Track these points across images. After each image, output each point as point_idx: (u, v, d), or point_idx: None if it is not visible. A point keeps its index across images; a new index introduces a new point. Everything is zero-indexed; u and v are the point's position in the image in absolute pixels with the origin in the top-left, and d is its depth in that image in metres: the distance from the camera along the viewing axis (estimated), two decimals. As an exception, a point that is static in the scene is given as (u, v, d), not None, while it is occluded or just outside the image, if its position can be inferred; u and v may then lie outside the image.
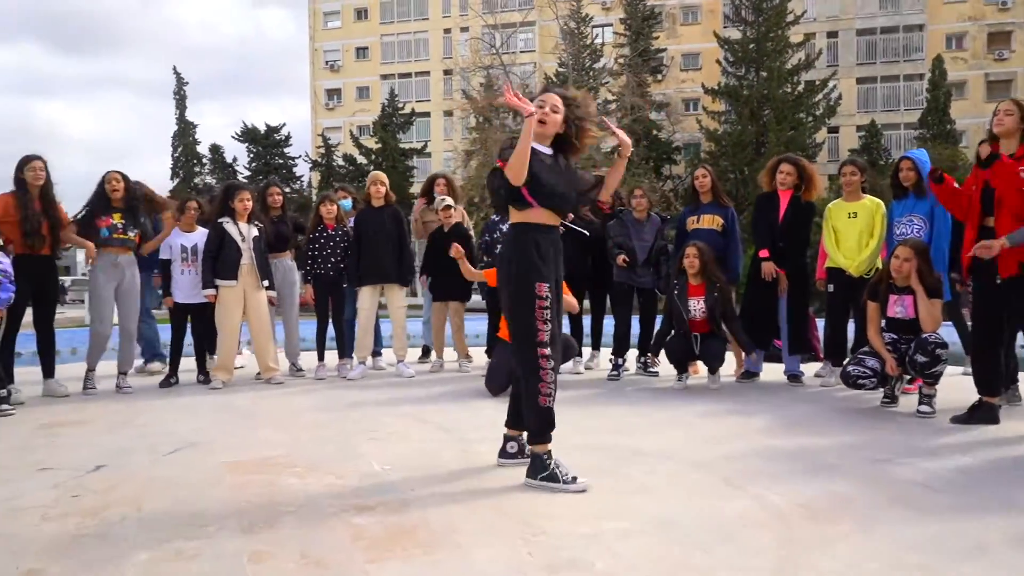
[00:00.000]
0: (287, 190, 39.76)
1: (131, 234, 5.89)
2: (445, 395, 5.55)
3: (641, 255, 6.39)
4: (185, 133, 43.03)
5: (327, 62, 45.79)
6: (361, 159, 38.47)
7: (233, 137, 41.49)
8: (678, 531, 2.63)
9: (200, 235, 6.29)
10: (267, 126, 41.76)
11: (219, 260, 6.00)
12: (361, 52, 45.80)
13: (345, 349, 6.71)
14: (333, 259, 6.51)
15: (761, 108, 33.83)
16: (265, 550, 2.50)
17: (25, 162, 5.48)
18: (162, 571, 2.35)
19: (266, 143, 41.49)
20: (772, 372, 6.28)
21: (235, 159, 42.54)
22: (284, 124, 42.28)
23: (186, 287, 6.18)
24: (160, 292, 6.58)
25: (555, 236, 3.31)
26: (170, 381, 6.18)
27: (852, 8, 39.08)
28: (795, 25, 34.67)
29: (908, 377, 5.03)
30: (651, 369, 6.50)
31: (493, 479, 3.30)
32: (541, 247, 3.23)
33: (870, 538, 2.56)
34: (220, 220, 6.06)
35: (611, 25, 39.49)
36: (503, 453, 3.51)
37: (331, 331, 6.75)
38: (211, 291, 6.02)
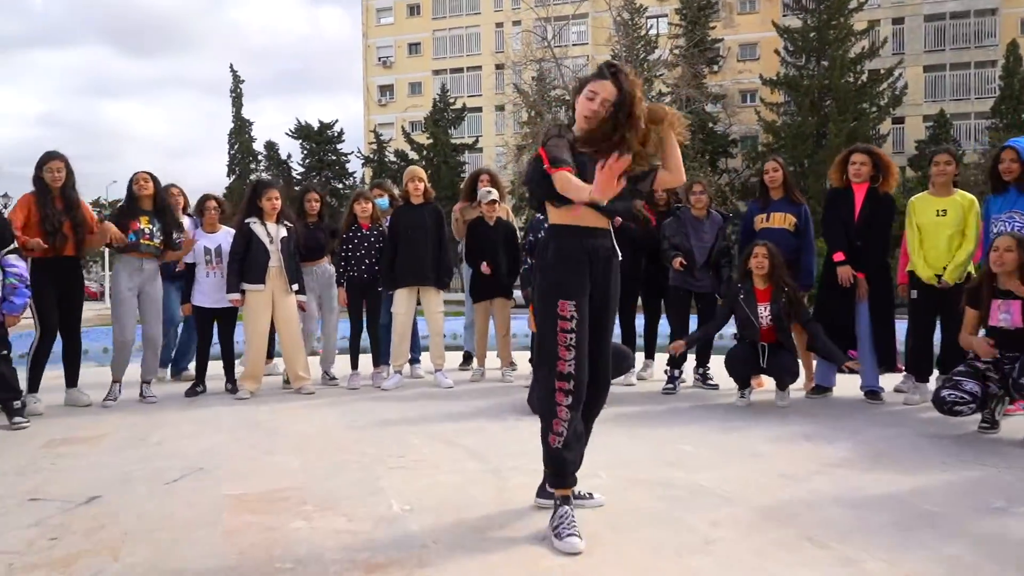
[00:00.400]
0: (339, 186, 40.27)
1: (157, 240, 5.55)
2: (483, 412, 5.08)
3: (700, 257, 5.83)
4: (241, 131, 43.51)
5: (380, 58, 45.81)
6: (413, 155, 38.33)
7: (287, 134, 41.82)
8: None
9: (224, 235, 5.95)
10: (320, 123, 41.97)
11: (246, 263, 5.63)
12: (413, 48, 45.71)
13: (380, 357, 6.30)
14: (368, 260, 6.11)
15: (822, 99, 32.70)
16: (246, 626, 2.07)
17: (44, 161, 5.19)
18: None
19: (319, 140, 41.70)
20: (846, 386, 5.65)
21: (289, 156, 42.87)
22: (337, 120, 42.48)
23: (211, 291, 5.83)
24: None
25: (600, 242, 2.78)
26: (196, 390, 5.85)
27: (920, -8, 37.42)
28: (859, 12, 33.39)
29: (1009, 398, 4.39)
30: (710, 381, 5.94)
31: (530, 525, 2.81)
32: (573, 255, 2.73)
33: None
34: (247, 220, 5.70)
35: (666, 16, 38.57)
36: (541, 491, 3.01)
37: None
38: (236, 295, 5.67)
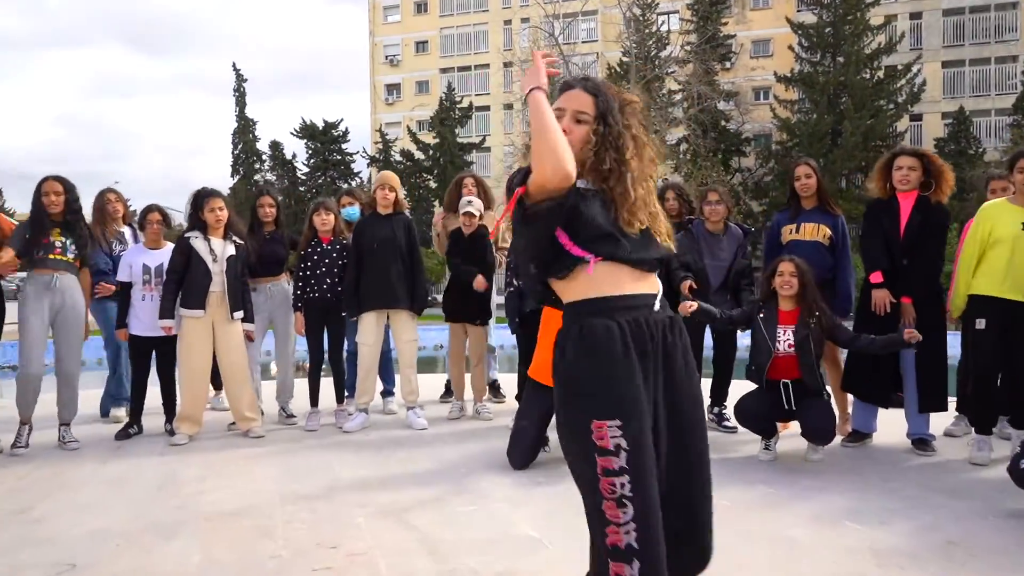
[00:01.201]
0: (344, 186, 39.50)
1: (72, 256, 4.75)
2: (452, 471, 4.21)
3: (715, 278, 4.97)
4: (245, 130, 42.79)
5: (387, 56, 45.12)
6: (419, 154, 37.53)
7: (292, 133, 41.09)
8: None
9: (168, 252, 5.10)
10: (325, 122, 41.27)
11: (184, 285, 4.82)
12: (421, 46, 44.98)
13: (344, 392, 5.46)
14: (329, 280, 5.26)
15: (838, 96, 31.84)
16: None
17: None
18: None
19: (324, 139, 40.96)
20: (888, 431, 4.77)
21: (294, 155, 42.14)
22: (342, 120, 41.73)
23: (149, 316, 5.00)
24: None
25: (650, 313, 1.87)
26: (129, 432, 5.04)
27: (938, -13, 36.35)
28: (875, 7, 32.49)
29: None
30: (727, 423, 5.08)
31: None
32: (610, 346, 1.79)
33: None
34: (187, 235, 4.88)
35: (677, 12, 37.67)
36: None
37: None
38: (168, 322, 4.85)
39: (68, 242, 4.73)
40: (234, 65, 44.40)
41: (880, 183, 4.58)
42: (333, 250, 5.30)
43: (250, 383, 5.12)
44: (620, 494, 1.69)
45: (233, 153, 42.54)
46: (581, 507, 1.80)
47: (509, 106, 39.12)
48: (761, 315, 4.33)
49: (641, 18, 34.51)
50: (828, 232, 4.83)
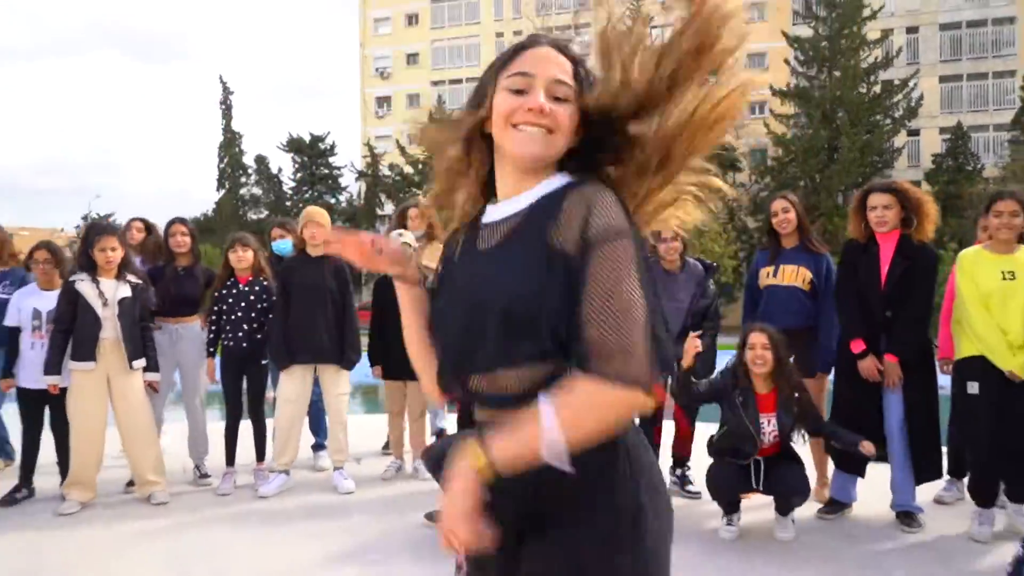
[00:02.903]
0: (332, 201, 39.06)
1: None
2: (371, 546, 3.67)
3: (676, 322, 4.42)
4: (231, 143, 42.31)
5: (377, 69, 44.80)
6: (408, 169, 37.08)
7: (278, 147, 40.68)
8: None
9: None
10: (312, 135, 40.87)
11: (73, 334, 4.27)
12: (412, 58, 44.68)
13: (264, 449, 4.89)
14: (246, 325, 4.68)
15: (834, 110, 31.55)
16: None
17: None
18: None
19: (311, 153, 40.54)
20: (869, 501, 4.20)
21: (280, 169, 41.70)
22: (329, 133, 41.35)
23: (38, 367, 4.43)
24: None
25: None
26: (15, 496, 4.47)
27: (935, 1, 36.03)
28: (871, 21, 32.25)
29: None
30: (690, 487, 4.51)
31: None
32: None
33: None
34: (73, 278, 4.31)
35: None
36: None
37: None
38: (55, 379, 4.27)
39: None
40: (220, 77, 44.12)
41: (856, 224, 4.02)
42: (251, 292, 4.73)
43: (155, 442, 4.54)
44: None
45: (219, 167, 42.05)
46: None
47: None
48: (740, 399, 3.76)
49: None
50: (809, 276, 4.28)
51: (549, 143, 1.26)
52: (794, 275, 4.28)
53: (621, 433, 1.23)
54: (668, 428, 4.58)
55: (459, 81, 43.84)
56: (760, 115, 35.28)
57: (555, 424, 1.12)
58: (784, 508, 3.77)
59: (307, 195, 39.39)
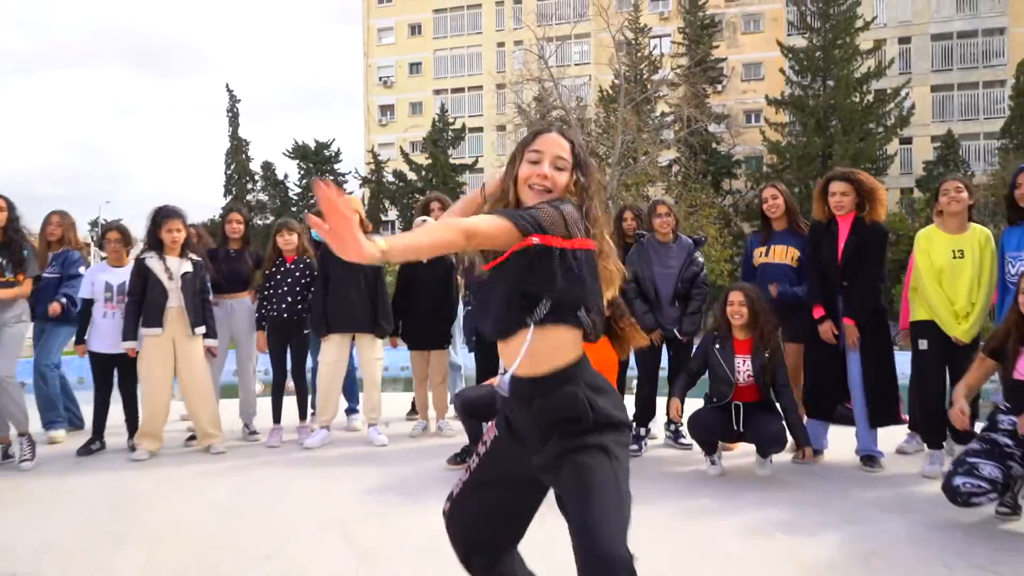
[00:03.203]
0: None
1: (10, 275, 4.75)
2: (401, 485, 4.27)
3: (665, 285, 5.06)
4: (238, 150, 43.00)
5: (380, 78, 45.46)
6: (411, 175, 37.74)
7: (284, 154, 41.34)
8: None
9: (129, 271, 5.17)
10: (317, 142, 41.53)
11: (143, 305, 4.90)
12: (415, 67, 45.33)
13: (307, 409, 5.52)
14: (290, 298, 5.35)
15: (828, 119, 32.11)
16: None
17: None
18: None
19: (316, 159, 41.20)
20: (840, 449, 4.84)
21: (286, 176, 42.36)
22: (334, 140, 41.96)
23: (110, 333, 5.07)
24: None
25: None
26: (91, 448, 5.09)
27: (926, 12, 36.74)
28: (865, 31, 32.83)
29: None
30: (683, 440, 5.15)
31: None
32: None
33: None
34: (142, 256, 4.96)
35: (669, 35, 38.15)
36: None
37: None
38: (130, 345, 4.93)
39: (5, 262, 4.74)
40: (227, 86, 44.83)
41: (819, 207, 4.69)
42: (296, 269, 5.40)
43: (213, 399, 5.19)
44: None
45: (226, 173, 42.75)
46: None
47: (502, 128, 39.38)
48: (717, 346, 4.42)
49: (633, 42, 34.92)
50: (797, 253, 4.94)
51: (547, 196, 1.91)
52: (784, 254, 4.94)
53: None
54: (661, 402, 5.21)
55: (461, 90, 44.50)
56: (756, 123, 35.98)
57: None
58: (764, 453, 4.40)
59: (312, 201, 39.97)
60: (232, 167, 42.64)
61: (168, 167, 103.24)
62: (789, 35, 35.69)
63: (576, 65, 39.12)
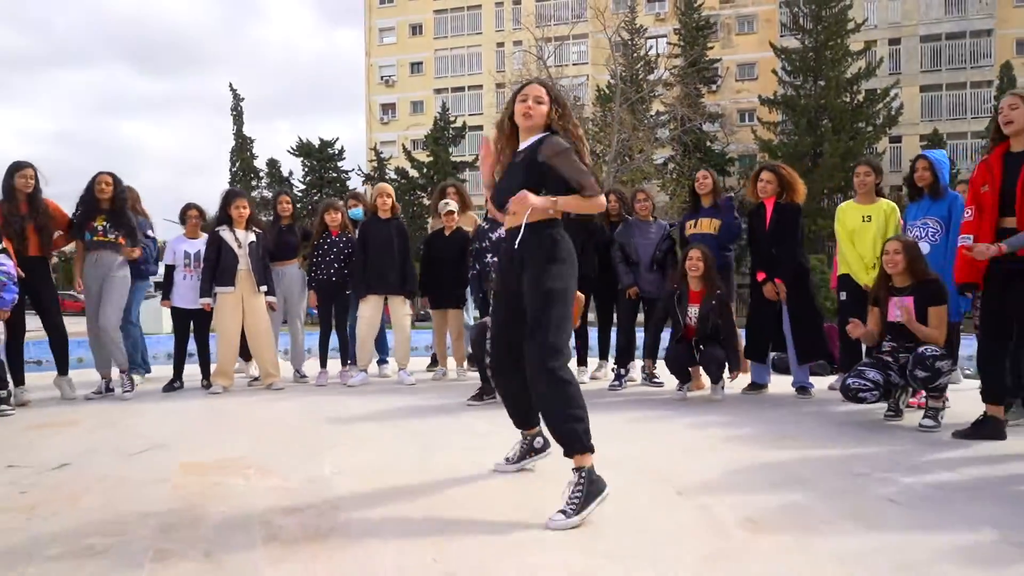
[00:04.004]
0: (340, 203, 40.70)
1: (112, 236, 5.88)
2: (435, 405, 5.45)
3: (645, 255, 6.27)
4: (243, 148, 44.13)
5: (382, 77, 46.49)
6: (413, 172, 38.85)
7: (288, 151, 42.43)
8: (600, 541, 2.49)
9: (203, 241, 6.37)
10: (321, 140, 42.57)
11: (218, 267, 6.06)
12: (416, 67, 46.35)
13: (347, 356, 6.71)
14: (336, 265, 6.55)
15: (819, 118, 33.13)
16: (172, 548, 2.46)
17: (16, 169, 5.62)
18: (63, 566, 2.33)
19: (320, 157, 42.27)
20: (784, 384, 6.03)
21: (291, 173, 43.46)
22: (337, 138, 43.00)
23: (188, 293, 6.26)
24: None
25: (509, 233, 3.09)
26: (174, 385, 6.26)
27: (915, 14, 37.82)
28: (855, 33, 33.82)
29: (912, 389, 4.76)
30: (656, 380, 6.32)
31: (433, 487, 3.19)
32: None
33: (804, 551, 2.39)
34: (217, 228, 6.14)
35: (665, 36, 39.22)
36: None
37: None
38: (207, 300, 6.11)
39: (110, 226, 5.88)
40: (231, 85, 45.97)
41: (752, 190, 5.92)
42: (340, 241, 6.59)
43: (273, 344, 6.37)
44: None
45: (231, 171, 43.83)
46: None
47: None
48: (677, 295, 5.59)
49: (630, 42, 36.00)
50: (718, 223, 6.13)
51: (532, 121, 3.03)
52: (708, 224, 6.13)
53: (561, 229, 3.01)
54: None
55: (461, 89, 45.56)
56: (749, 123, 37.09)
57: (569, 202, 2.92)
58: (714, 377, 5.57)
59: (316, 198, 41.12)
60: (237, 164, 43.73)
61: (174, 165, 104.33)
62: (782, 36, 36.62)
63: (574, 65, 40.16)
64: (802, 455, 3.73)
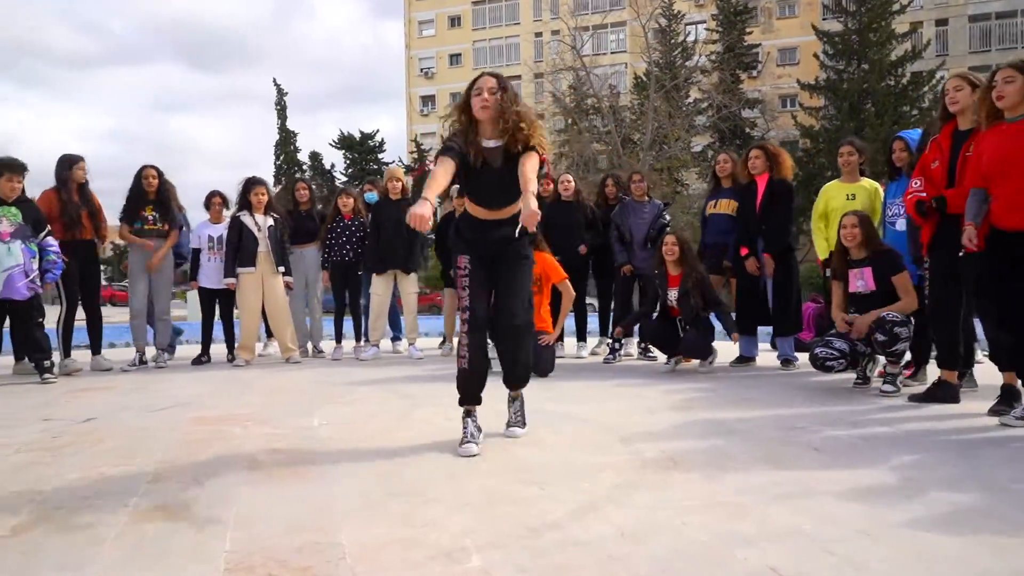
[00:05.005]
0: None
1: (160, 225, 6.55)
2: (433, 374, 5.87)
3: (638, 234, 6.61)
4: (286, 142, 45.24)
5: (422, 69, 47.11)
6: (452, 163, 39.28)
7: (330, 144, 43.36)
8: (529, 473, 2.87)
9: (225, 226, 6.87)
10: (362, 133, 43.35)
11: (240, 250, 6.56)
12: (454, 59, 46.85)
13: (361, 333, 7.17)
14: (348, 247, 7.01)
15: (862, 102, 32.53)
16: (168, 473, 2.91)
17: (73, 161, 6.25)
18: (78, 484, 2.79)
19: (361, 149, 43.09)
20: (769, 357, 6.30)
21: (332, 165, 44.38)
22: (378, 131, 43.75)
23: (213, 274, 6.79)
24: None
25: (484, 224, 3.46)
26: (201, 360, 6.80)
27: (964, -7, 37.03)
28: (901, 14, 33.06)
29: (881, 358, 5.00)
30: (650, 355, 6.64)
31: (407, 437, 3.59)
32: (461, 228, 3.55)
33: (707, 482, 2.73)
34: (238, 214, 6.64)
35: (704, 22, 38.98)
36: None
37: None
38: (231, 280, 6.62)
39: (157, 216, 6.51)
40: (275, 80, 47.04)
41: (743, 170, 6.18)
42: (352, 225, 7.05)
43: (291, 321, 6.85)
44: (463, 284, 3.46)
45: (275, 164, 44.96)
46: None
47: (540, 116, 40.66)
48: (659, 280, 5.92)
49: (668, 28, 35.87)
50: (736, 205, 6.38)
51: (490, 112, 3.34)
52: (727, 206, 6.40)
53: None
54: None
55: (500, 80, 45.95)
56: (790, 108, 36.70)
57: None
58: (690, 356, 5.89)
59: (358, 189, 41.98)
60: (281, 158, 44.84)
61: (222, 159, 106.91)
62: (824, 19, 36.09)
63: (612, 53, 40.18)
64: (752, 414, 4.04)
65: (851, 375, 5.08)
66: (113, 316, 6.65)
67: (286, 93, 46.00)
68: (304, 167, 44.91)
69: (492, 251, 3.45)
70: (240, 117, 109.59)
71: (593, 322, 7.53)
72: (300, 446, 3.36)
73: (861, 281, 4.75)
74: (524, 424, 3.58)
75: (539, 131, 3.50)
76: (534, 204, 3.14)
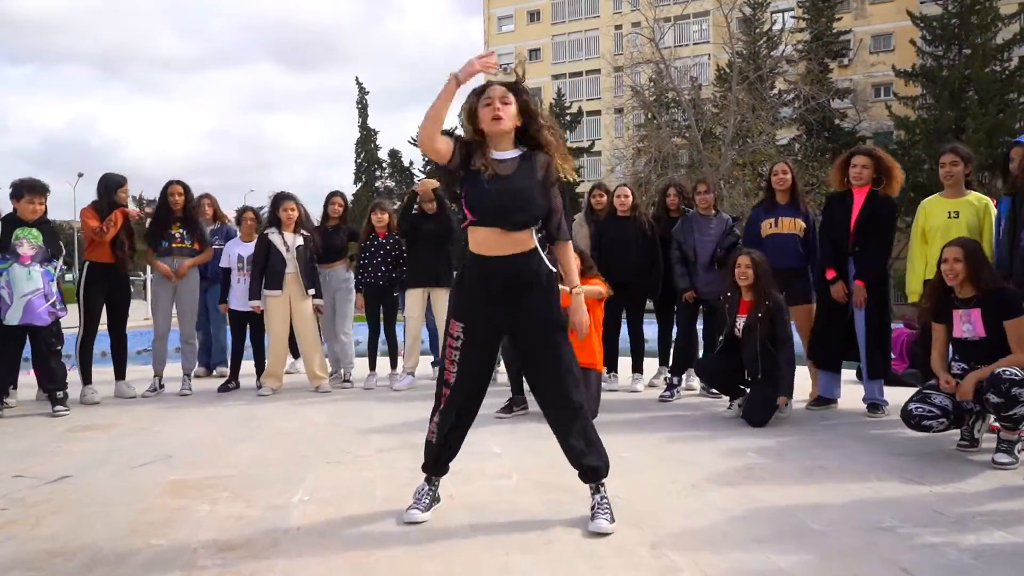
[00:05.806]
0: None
1: (188, 243, 6.20)
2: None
3: (704, 254, 5.80)
4: (367, 140, 45.58)
5: (501, 65, 46.44)
6: (528, 159, 38.77)
7: (409, 142, 43.41)
8: None
9: (255, 244, 6.43)
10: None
11: (266, 271, 6.10)
12: (533, 54, 46.36)
13: (396, 359, 6.61)
14: (384, 268, 6.45)
15: (963, 90, 30.43)
16: (83, 589, 2.39)
17: (118, 184, 6.01)
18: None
19: (439, 147, 42.96)
20: (851, 398, 5.43)
21: (411, 163, 44.46)
22: (456, 128, 43.30)
23: (243, 295, 6.33)
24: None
25: (494, 264, 2.84)
26: (229, 386, 6.38)
27: (1080, -31, 34.05)
28: (1008, -6, 30.86)
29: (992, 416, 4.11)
30: (714, 392, 5.85)
31: (387, 521, 2.98)
32: (464, 278, 2.94)
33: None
34: (266, 232, 6.17)
35: (791, 10, 37.22)
36: None
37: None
38: (256, 303, 6.14)
39: (185, 233, 6.15)
40: (357, 79, 47.45)
41: (838, 178, 5.26)
42: (387, 243, 6.48)
43: (320, 348, 6.36)
44: (452, 357, 2.94)
45: (356, 161, 45.40)
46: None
47: (619, 110, 39.76)
48: (728, 305, 5.11)
49: (753, 17, 34.39)
50: (803, 225, 5.54)
51: (503, 125, 2.84)
52: (792, 224, 5.53)
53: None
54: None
55: (579, 74, 45.16)
56: (884, 98, 34.65)
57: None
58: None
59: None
60: (362, 156, 45.23)
61: (311, 158, 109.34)
62: (922, 3, 34.12)
63: (694, 44, 38.90)
64: (825, 499, 3.26)
65: (953, 433, 4.20)
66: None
67: (367, 91, 46.38)
68: (384, 164, 45.17)
69: (509, 313, 2.86)
70: (328, 116, 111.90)
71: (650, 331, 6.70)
72: (261, 539, 2.79)
73: (968, 325, 3.89)
74: (612, 517, 2.83)
75: (563, 148, 3.00)
76: (583, 309, 2.95)
